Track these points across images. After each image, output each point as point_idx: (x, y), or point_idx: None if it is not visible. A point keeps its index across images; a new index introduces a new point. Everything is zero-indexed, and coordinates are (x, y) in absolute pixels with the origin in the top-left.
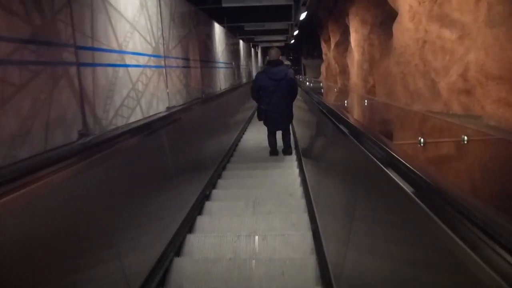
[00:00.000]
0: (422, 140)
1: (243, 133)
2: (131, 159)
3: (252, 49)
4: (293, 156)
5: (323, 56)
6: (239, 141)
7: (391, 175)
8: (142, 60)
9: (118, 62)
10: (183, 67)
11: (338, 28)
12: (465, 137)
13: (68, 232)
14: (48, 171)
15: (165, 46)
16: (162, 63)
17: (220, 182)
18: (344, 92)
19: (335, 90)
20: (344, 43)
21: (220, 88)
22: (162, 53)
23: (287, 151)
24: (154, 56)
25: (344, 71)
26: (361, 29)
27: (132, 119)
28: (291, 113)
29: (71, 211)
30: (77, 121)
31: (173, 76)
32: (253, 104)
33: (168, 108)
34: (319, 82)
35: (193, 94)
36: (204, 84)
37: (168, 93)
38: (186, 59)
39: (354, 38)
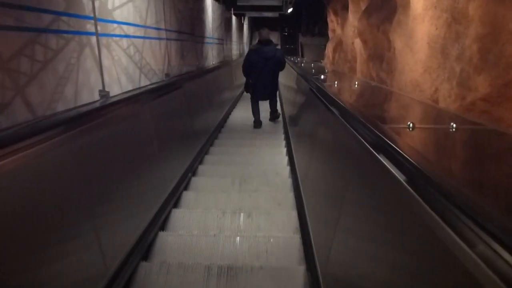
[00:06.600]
0: None
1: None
2: None
3: (234, 18)
4: None
5: (330, 34)
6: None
7: None
8: None
9: None
10: None
11: None
12: None
13: None
14: None
15: None
16: None
17: None
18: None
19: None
20: (383, 9)
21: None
22: None
23: (273, 114)
24: None
25: (381, 57)
26: None
27: None
28: (277, 85)
29: None
30: None
31: None
32: (234, 94)
33: None
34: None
35: None
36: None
37: None
38: None
39: None
